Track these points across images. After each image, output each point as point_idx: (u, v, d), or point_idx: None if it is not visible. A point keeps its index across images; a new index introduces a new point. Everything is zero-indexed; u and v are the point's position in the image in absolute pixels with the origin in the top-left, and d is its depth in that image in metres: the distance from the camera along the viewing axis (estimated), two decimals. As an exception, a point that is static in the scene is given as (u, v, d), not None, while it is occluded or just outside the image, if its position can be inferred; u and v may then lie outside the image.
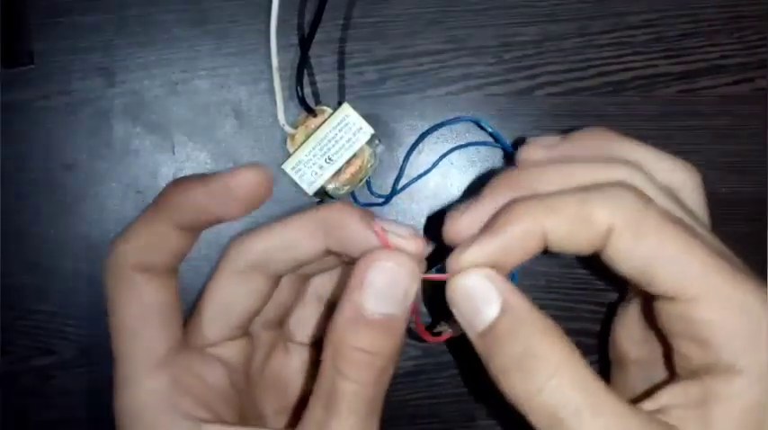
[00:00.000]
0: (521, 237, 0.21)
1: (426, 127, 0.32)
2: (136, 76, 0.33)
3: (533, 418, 0.19)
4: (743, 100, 0.32)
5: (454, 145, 0.32)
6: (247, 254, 0.23)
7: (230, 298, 0.23)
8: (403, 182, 0.32)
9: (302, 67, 0.29)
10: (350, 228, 0.22)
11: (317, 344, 0.27)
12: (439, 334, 0.25)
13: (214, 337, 0.23)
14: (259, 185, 0.22)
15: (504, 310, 0.20)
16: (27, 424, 0.35)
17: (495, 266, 0.21)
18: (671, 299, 0.20)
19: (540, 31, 0.32)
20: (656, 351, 0.24)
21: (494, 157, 0.32)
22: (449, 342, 0.26)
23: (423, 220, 0.33)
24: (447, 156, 0.32)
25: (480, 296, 0.20)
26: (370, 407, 0.21)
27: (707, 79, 0.32)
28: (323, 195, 0.31)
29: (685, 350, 0.21)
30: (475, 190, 0.32)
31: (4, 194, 0.33)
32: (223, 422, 0.22)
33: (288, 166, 0.30)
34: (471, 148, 0.32)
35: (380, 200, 0.32)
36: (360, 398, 0.20)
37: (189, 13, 0.33)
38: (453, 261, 0.21)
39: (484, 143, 0.32)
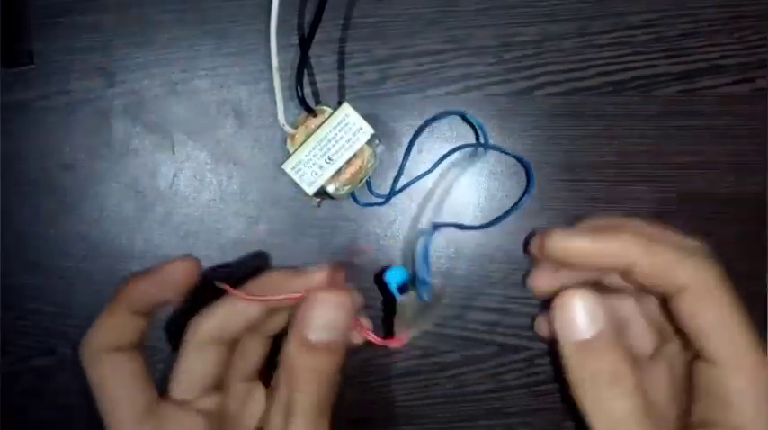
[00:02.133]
0: (618, 251, 0.25)
1: (426, 127, 0.32)
2: (135, 76, 0.33)
3: (595, 420, 0.24)
4: (743, 100, 0.32)
5: (454, 145, 0.32)
6: (203, 331, 0.27)
7: (193, 368, 0.28)
8: (403, 181, 0.32)
9: (302, 67, 0.29)
10: (277, 285, 0.27)
11: None
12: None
13: (186, 397, 0.27)
14: (188, 272, 0.26)
15: (601, 332, 0.24)
16: (27, 424, 0.35)
17: (581, 262, 0.26)
18: (711, 362, 0.24)
19: (540, 31, 0.32)
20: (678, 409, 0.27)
21: (493, 158, 0.32)
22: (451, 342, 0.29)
23: (422, 220, 0.33)
24: (447, 157, 0.32)
25: (587, 313, 0.25)
26: (319, 410, 0.25)
27: (707, 79, 0.32)
28: (323, 195, 0.31)
29: (708, 407, 0.25)
30: (473, 189, 0.32)
31: (3, 194, 0.33)
32: None
33: (288, 166, 0.30)
34: (471, 149, 0.32)
35: (380, 200, 0.32)
36: (311, 405, 0.25)
37: (188, 13, 0.33)
38: (556, 237, 0.26)
39: (484, 145, 0.32)
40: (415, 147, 0.32)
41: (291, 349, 0.26)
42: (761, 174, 0.32)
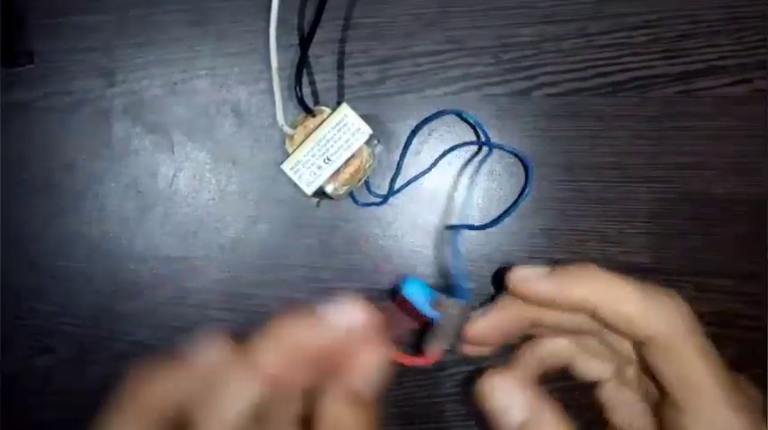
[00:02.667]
0: (582, 300, 0.25)
1: (425, 128, 0.32)
2: (136, 76, 0.33)
3: None
4: (742, 101, 0.32)
5: (452, 145, 0.32)
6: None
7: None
8: (402, 182, 0.32)
9: (301, 68, 0.29)
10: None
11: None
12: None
13: None
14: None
15: (530, 417, 0.24)
16: (27, 423, 0.35)
17: (547, 304, 0.26)
18: (678, 408, 0.24)
19: (538, 32, 0.32)
20: None
21: (491, 158, 0.32)
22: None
23: (421, 220, 0.33)
24: (445, 157, 0.32)
25: (509, 402, 0.25)
26: None
27: (705, 80, 0.32)
28: (321, 195, 0.31)
29: None
30: (472, 189, 0.33)
31: (3, 194, 0.33)
32: None
33: (287, 167, 0.30)
34: (469, 148, 0.32)
35: (379, 200, 0.32)
36: None
37: (189, 14, 0.33)
38: (524, 277, 0.26)
39: (486, 143, 0.32)
40: (413, 148, 0.32)
41: (337, 407, 0.24)
42: (760, 175, 0.32)
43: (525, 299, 0.27)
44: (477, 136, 0.32)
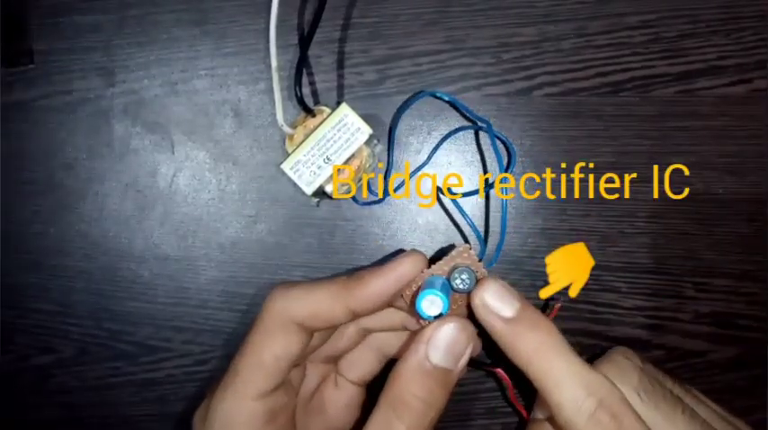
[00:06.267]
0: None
1: (424, 126, 0.32)
2: (136, 76, 0.33)
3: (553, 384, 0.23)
4: (741, 101, 0.32)
5: (451, 141, 0.32)
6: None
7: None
8: (401, 181, 0.32)
9: (301, 67, 0.29)
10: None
11: (365, 387, 0.30)
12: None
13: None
14: (418, 268, 0.26)
15: (524, 307, 0.24)
16: (27, 423, 0.35)
17: None
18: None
19: (538, 32, 0.32)
20: None
21: (492, 160, 0.32)
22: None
23: (420, 220, 0.33)
24: (445, 157, 0.32)
25: (507, 294, 0.25)
26: None
27: (705, 80, 0.32)
28: (321, 195, 0.31)
29: None
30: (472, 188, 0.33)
31: (4, 194, 0.33)
32: None
33: (286, 166, 0.30)
34: (469, 148, 0.32)
35: (378, 199, 0.32)
36: None
37: (189, 13, 0.33)
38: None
39: (477, 127, 0.32)
40: (413, 147, 0.32)
41: (406, 369, 0.24)
42: (759, 175, 0.32)
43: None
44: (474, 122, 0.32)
